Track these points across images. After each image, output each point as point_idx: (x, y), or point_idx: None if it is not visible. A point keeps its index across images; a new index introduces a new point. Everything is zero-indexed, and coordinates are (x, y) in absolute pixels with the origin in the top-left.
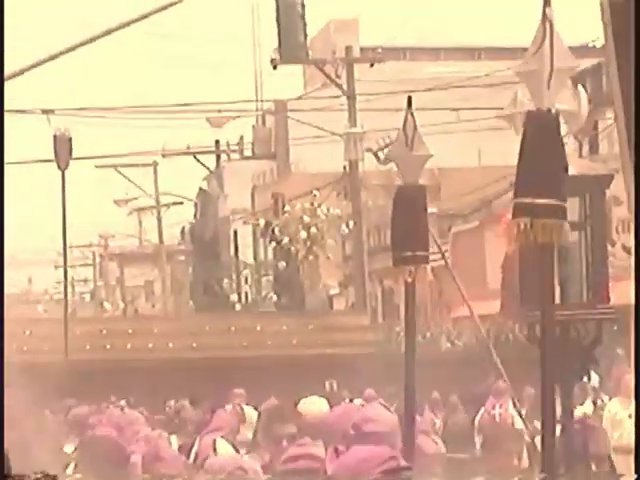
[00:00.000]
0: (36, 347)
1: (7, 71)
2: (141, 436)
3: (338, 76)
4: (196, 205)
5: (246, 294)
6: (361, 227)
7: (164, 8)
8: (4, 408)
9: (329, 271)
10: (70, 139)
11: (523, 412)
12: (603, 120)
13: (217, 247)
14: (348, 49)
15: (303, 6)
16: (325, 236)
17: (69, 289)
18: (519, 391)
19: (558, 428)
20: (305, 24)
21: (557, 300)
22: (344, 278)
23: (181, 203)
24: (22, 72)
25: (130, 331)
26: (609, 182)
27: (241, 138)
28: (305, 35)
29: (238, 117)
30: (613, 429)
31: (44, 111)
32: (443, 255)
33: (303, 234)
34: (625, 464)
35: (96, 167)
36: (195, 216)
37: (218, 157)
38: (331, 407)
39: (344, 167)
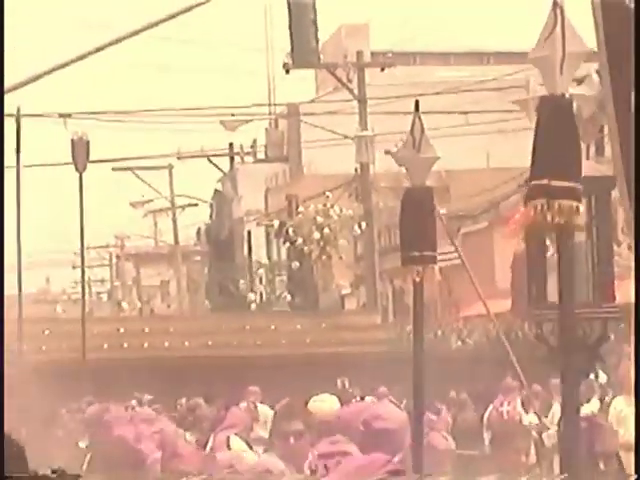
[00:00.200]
0: (55, 346)
1: (24, 76)
2: (158, 433)
3: (349, 80)
4: (211, 206)
5: (261, 294)
6: (372, 228)
7: (180, 13)
8: (3, 409)
9: (341, 271)
10: (88, 142)
11: (531, 409)
12: None
13: (232, 247)
14: (359, 54)
15: (315, 11)
16: (338, 237)
17: (86, 289)
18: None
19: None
20: (317, 29)
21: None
22: (355, 278)
23: (196, 205)
24: (38, 77)
25: (147, 330)
26: (614, 183)
27: (254, 141)
28: (317, 40)
29: (251, 120)
30: (618, 426)
31: (61, 115)
32: (460, 255)
33: (316, 235)
34: (629, 460)
35: (113, 170)
36: (211, 217)
37: (232, 160)
38: (342, 404)
39: (355, 169)
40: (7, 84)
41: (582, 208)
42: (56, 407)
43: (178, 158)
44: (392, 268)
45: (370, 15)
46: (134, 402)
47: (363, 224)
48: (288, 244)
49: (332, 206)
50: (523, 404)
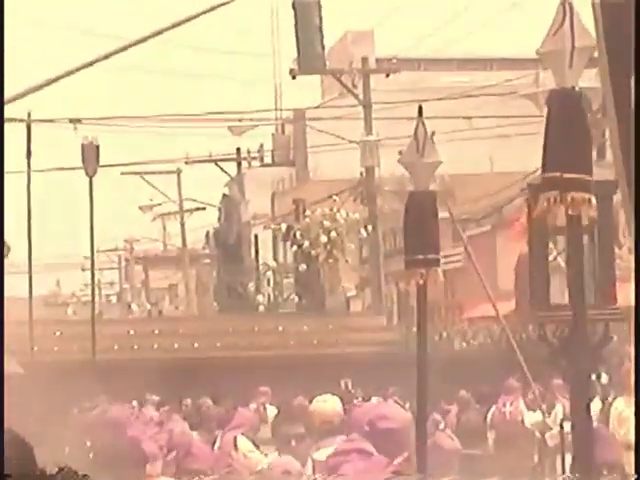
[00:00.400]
0: (66, 347)
1: (35, 83)
2: (167, 433)
3: (355, 86)
4: (220, 210)
5: (268, 296)
6: (377, 231)
7: (189, 20)
8: (3, 409)
9: (346, 274)
10: (97, 147)
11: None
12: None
13: (240, 251)
14: (364, 60)
15: (321, 18)
16: (345, 240)
17: (96, 292)
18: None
19: (568, 425)
20: (323, 36)
21: (566, 300)
22: (360, 281)
23: (204, 209)
24: (49, 83)
25: (156, 332)
26: (616, 187)
27: (261, 146)
28: (323, 46)
29: (258, 126)
30: (619, 426)
31: (71, 120)
32: (471, 257)
33: (323, 238)
34: (629, 459)
35: (122, 174)
36: (219, 221)
37: (239, 164)
38: (344, 405)
39: (360, 173)
40: (18, 90)
41: (594, 200)
42: (66, 406)
43: (186, 163)
44: (396, 271)
45: (375, 22)
46: (134, 403)
47: (369, 227)
48: (295, 247)
49: (339, 210)
50: (529, 404)
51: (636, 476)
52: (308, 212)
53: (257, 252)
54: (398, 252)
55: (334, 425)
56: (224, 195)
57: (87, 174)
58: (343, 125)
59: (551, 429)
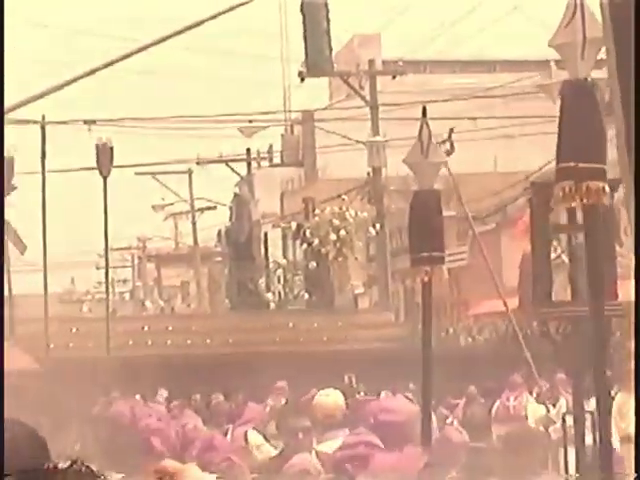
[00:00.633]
0: (82, 344)
1: (50, 84)
2: (182, 428)
3: (362, 88)
4: (231, 209)
5: (279, 293)
6: (384, 229)
7: (199, 24)
8: (3, 409)
9: (354, 272)
10: (112, 148)
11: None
12: (612, 129)
13: (251, 249)
14: (371, 62)
15: (328, 22)
16: (354, 238)
17: (110, 289)
18: (533, 384)
19: (570, 419)
20: (330, 39)
21: (568, 297)
22: (368, 278)
23: (214, 208)
24: (63, 86)
25: (170, 328)
26: (617, 186)
27: (271, 146)
28: (330, 49)
29: (268, 127)
30: (621, 420)
31: (86, 122)
32: (484, 255)
33: (333, 236)
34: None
35: (135, 174)
36: (230, 219)
37: (249, 164)
38: (347, 399)
39: (368, 173)
40: (33, 93)
41: (607, 188)
42: (82, 402)
43: (197, 163)
44: (402, 268)
45: (381, 26)
46: (138, 397)
47: (378, 226)
48: (305, 245)
49: (348, 209)
50: (538, 396)
51: (636, 475)
52: (318, 211)
53: (267, 250)
54: (404, 250)
55: (337, 419)
56: (235, 194)
57: (101, 174)
58: (350, 126)
59: (555, 423)
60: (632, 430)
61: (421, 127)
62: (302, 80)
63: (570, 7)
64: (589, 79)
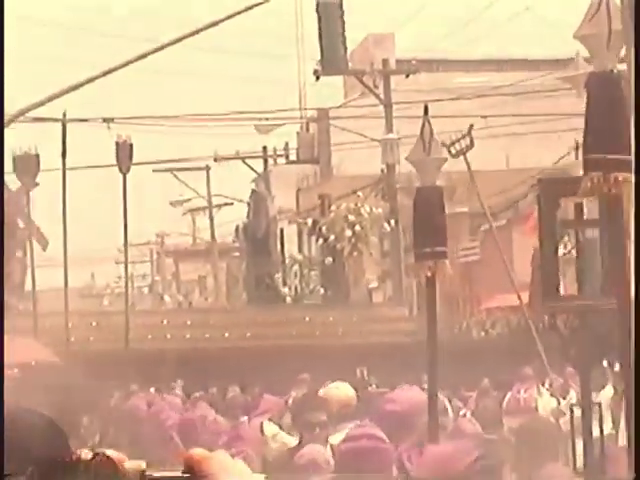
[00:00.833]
0: (102, 337)
1: (70, 83)
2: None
3: (376, 86)
4: (249, 205)
5: (295, 288)
6: (398, 225)
7: (216, 24)
8: (3, 409)
9: (369, 267)
10: (131, 145)
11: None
12: None
13: (268, 244)
14: (385, 61)
15: (343, 22)
16: (369, 234)
17: (129, 284)
18: (544, 376)
19: (578, 411)
20: (345, 38)
21: (575, 291)
22: (382, 273)
23: (231, 204)
24: (82, 84)
25: (188, 322)
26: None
27: (287, 144)
28: (345, 48)
29: (284, 124)
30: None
31: (105, 119)
32: (499, 249)
33: (348, 232)
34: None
35: (153, 171)
36: (248, 215)
37: (265, 161)
38: (358, 392)
39: (382, 170)
40: (54, 91)
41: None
42: (101, 394)
43: (215, 160)
44: (410, 264)
45: (395, 25)
46: (155, 389)
47: (392, 222)
48: (321, 241)
49: (363, 205)
50: (549, 389)
51: (635, 475)
52: (333, 207)
53: (282, 246)
54: None
55: (349, 411)
56: (253, 191)
57: (121, 171)
58: (365, 124)
59: (565, 415)
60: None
61: (423, 125)
62: (317, 79)
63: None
64: (615, 71)
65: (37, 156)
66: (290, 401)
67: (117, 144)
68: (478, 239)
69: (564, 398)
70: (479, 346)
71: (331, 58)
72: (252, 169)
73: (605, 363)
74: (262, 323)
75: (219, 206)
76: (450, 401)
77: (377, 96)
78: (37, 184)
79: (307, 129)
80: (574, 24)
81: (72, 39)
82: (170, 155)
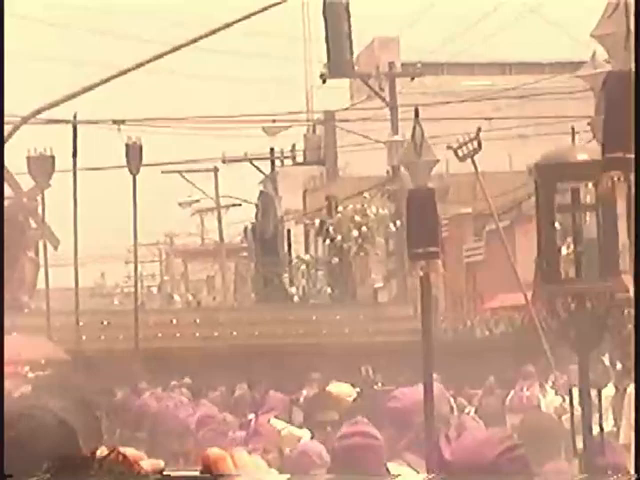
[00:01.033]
0: (113, 336)
1: (79, 86)
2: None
3: (381, 89)
4: (257, 206)
5: (303, 287)
6: (403, 226)
7: (223, 28)
8: (3, 410)
9: (374, 266)
10: (141, 147)
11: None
12: None
13: (276, 245)
14: (391, 64)
15: (350, 25)
16: (375, 234)
17: (138, 283)
18: (546, 374)
19: (576, 399)
20: (351, 42)
21: (573, 275)
22: (387, 273)
23: (239, 205)
24: (92, 87)
25: (198, 321)
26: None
27: (293, 146)
28: (351, 52)
29: (291, 127)
30: (631, 410)
31: (115, 122)
32: (506, 248)
33: (355, 232)
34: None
35: (162, 172)
36: (256, 217)
37: (273, 163)
38: (362, 390)
39: (387, 172)
40: (65, 93)
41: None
42: (110, 392)
43: (223, 161)
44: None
45: (401, 29)
46: (163, 388)
47: (398, 222)
48: (328, 241)
49: (369, 206)
50: (552, 386)
51: (636, 476)
52: (340, 208)
53: (289, 246)
54: None
55: (348, 409)
56: (261, 192)
57: (131, 172)
58: (371, 126)
59: (567, 412)
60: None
61: (414, 127)
62: (324, 82)
63: None
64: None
65: (52, 157)
66: (301, 400)
67: (127, 146)
68: (482, 239)
69: (564, 398)
70: (483, 345)
71: (338, 61)
72: (260, 170)
73: (607, 361)
74: (270, 322)
75: (227, 207)
76: (455, 399)
77: (383, 99)
78: (50, 185)
79: (314, 131)
80: (579, 26)
81: (83, 40)
82: (179, 157)
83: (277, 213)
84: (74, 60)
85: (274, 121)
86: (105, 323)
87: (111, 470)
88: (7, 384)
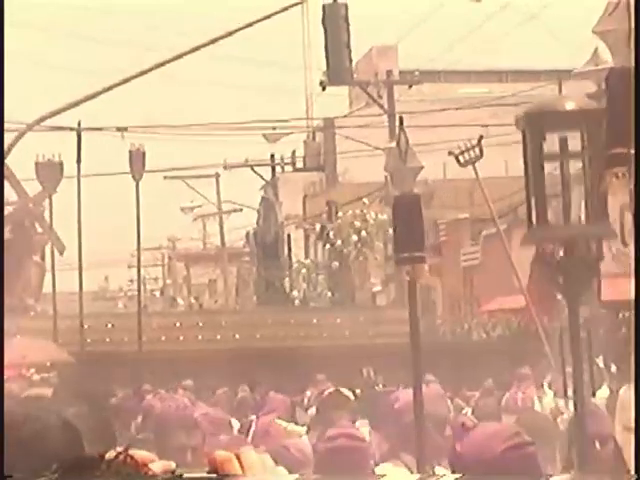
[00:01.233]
0: (117, 339)
1: (86, 92)
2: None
3: (380, 96)
4: (259, 212)
5: (303, 291)
6: None
7: (225, 36)
8: (3, 410)
9: (373, 270)
10: (144, 153)
11: (550, 395)
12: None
13: (277, 249)
14: (389, 72)
15: (349, 34)
16: (374, 239)
17: (141, 287)
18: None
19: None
20: (350, 50)
21: (561, 221)
22: (386, 277)
23: (241, 210)
24: (96, 95)
25: (200, 324)
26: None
27: (294, 152)
28: (350, 60)
29: (291, 133)
30: (623, 412)
31: (118, 129)
32: (507, 251)
33: (354, 237)
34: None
35: (165, 178)
36: (258, 222)
37: (273, 169)
38: (363, 391)
39: (385, 177)
40: (69, 101)
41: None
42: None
43: (224, 167)
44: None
45: (399, 37)
46: (162, 391)
47: None
48: (328, 246)
49: (368, 211)
50: (548, 388)
51: (636, 476)
52: (340, 213)
53: (290, 250)
54: None
55: (347, 411)
56: (262, 198)
57: (134, 178)
58: (369, 133)
59: (562, 414)
60: (632, 423)
61: (399, 135)
62: (323, 89)
63: None
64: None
65: (61, 164)
66: (305, 401)
67: (130, 152)
68: (479, 244)
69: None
70: (480, 347)
71: (337, 69)
72: (260, 176)
73: (601, 364)
74: (271, 325)
75: (228, 212)
76: (452, 400)
77: (381, 106)
78: (56, 191)
79: (313, 138)
80: (579, 33)
81: (85, 49)
82: (181, 163)
83: (278, 218)
84: (78, 68)
85: (274, 128)
86: (109, 326)
87: (119, 472)
88: (12, 386)
